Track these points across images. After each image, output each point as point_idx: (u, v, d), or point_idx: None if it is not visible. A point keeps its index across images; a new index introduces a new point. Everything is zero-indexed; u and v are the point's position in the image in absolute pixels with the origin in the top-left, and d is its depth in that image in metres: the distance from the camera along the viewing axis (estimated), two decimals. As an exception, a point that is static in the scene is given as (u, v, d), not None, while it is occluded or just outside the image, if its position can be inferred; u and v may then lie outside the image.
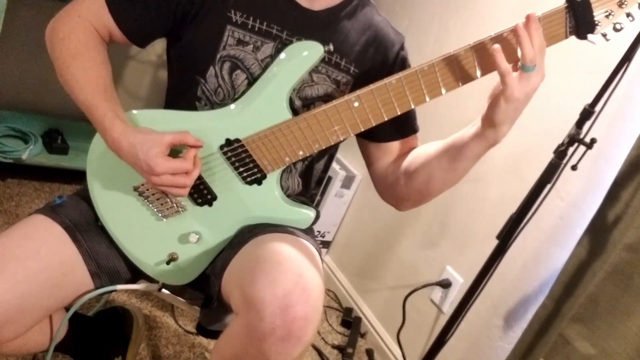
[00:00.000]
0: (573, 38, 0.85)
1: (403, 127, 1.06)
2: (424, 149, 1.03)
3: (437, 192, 1.01)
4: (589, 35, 0.84)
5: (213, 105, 1.01)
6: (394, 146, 1.07)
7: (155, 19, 0.98)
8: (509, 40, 0.83)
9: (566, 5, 0.82)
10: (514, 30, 0.80)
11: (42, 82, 2.09)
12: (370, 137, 1.07)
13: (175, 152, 0.93)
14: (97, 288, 0.99)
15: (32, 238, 0.93)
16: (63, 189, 2.05)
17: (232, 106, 0.97)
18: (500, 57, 0.80)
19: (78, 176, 1.94)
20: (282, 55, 0.96)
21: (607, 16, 0.82)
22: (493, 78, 0.87)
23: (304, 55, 0.94)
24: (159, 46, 2.23)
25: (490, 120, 0.86)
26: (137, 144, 0.89)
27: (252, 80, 0.99)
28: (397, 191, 1.05)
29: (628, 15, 0.83)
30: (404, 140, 1.07)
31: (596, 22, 0.83)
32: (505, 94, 0.82)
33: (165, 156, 0.89)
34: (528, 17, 0.79)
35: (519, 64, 0.81)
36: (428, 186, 1.00)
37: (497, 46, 0.81)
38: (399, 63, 1.06)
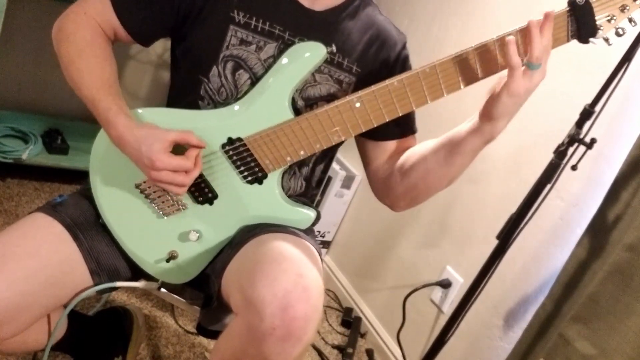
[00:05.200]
0: (574, 41, 0.85)
1: (402, 126, 1.06)
2: (421, 146, 1.03)
3: (433, 188, 1.00)
4: (591, 39, 0.84)
5: (216, 105, 1.01)
6: (392, 145, 1.07)
7: (159, 18, 0.98)
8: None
9: (568, 9, 0.82)
10: (527, 27, 0.80)
11: (42, 82, 2.09)
12: (370, 136, 1.07)
13: (178, 150, 0.93)
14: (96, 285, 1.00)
15: (32, 237, 0.93)
16: (63, 189, 2.05)
17: (235, 106, 0.98)
18: (513, 49, 0.80)
19: (78, 176, 1.95)
20: (285, 55, 0.96)
21: (608, 20, 0.82)
22: (493, 79, 0.88)
23: (306, 57, 0.94)
24: (159, 46, 2.23)
25: (488, 115, 0.86)
26: (141, 137, 0.89)
27: (255, 80, 0.99)
28: (393, 189, 1.05)
29: (630, 20, 0.83)
30: (403, 140, 1.08)
31: (598, 27, 0.83)
32: (509, 88, 0.81)
33: (168, 153, 0.90)
34: (546, 15, 0.79)
35: (525, 60, 0.81)
36: (424, 181, 0.99)
37: (511, 37, 0.80)
38: (401, 63, 1.07)
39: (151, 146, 0.88)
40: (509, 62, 0.80)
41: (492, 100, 0.85)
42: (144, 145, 0.89)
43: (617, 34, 0.83)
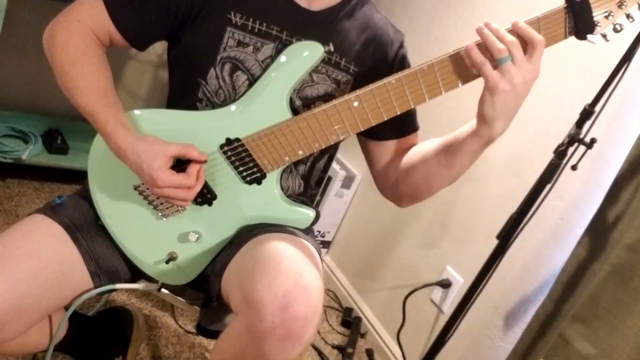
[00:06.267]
0: (573, 38, 0.85)
1: (403, 125, 1.06)
2: (422, 146, 1.04)
3: (435, 188, 1.01)
4: (589, 36, 0.84)
5: (214, 106, 1.01)
6: (395, 144, 1.08)
7: (155, 22, 0.98)
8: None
9: (565, 5, 0.82)
10: (477, 31, 0.83)
11: (42, 82, 2.09)
12: (371, 136, 1.07)
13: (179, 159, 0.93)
14: (96, 287, 0.99)
15: (32, 238, 0.93)
16: (63, 189, 2.05)
17: (233, 106, 0.98)
18: (475, 52, 0.82)
19: (78, 176, 1.94)
20: (283, 55, 0.96)
21: (606, 17, 0.82)
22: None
23: (304, 56, 0.94)
24: (159, 46, 2.23)
25: (481, 116, 0.87)
26: (141, 153, 0.90)
27: (253, 81, 0.99)
28: (397, 188, 1.06)
29: (628, 16, 0.83)
30: (405, 139, 1.08)
31: (595, 23, 0.83)
32: (487, 86, 0.83)
33: (168, 170, 0.90)
34: (485, 23, 0.83)
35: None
36: (426, 182, 1.00)
37: (469, 43, 0.83)
38: (399, 61, 1.06)
39: (151, 164, 0.89)
40: (475, 63, 0.83)
41: (481, 102, 0.86)
42: (145, 163, 0.89)
43: (615, 30, 0.83)
